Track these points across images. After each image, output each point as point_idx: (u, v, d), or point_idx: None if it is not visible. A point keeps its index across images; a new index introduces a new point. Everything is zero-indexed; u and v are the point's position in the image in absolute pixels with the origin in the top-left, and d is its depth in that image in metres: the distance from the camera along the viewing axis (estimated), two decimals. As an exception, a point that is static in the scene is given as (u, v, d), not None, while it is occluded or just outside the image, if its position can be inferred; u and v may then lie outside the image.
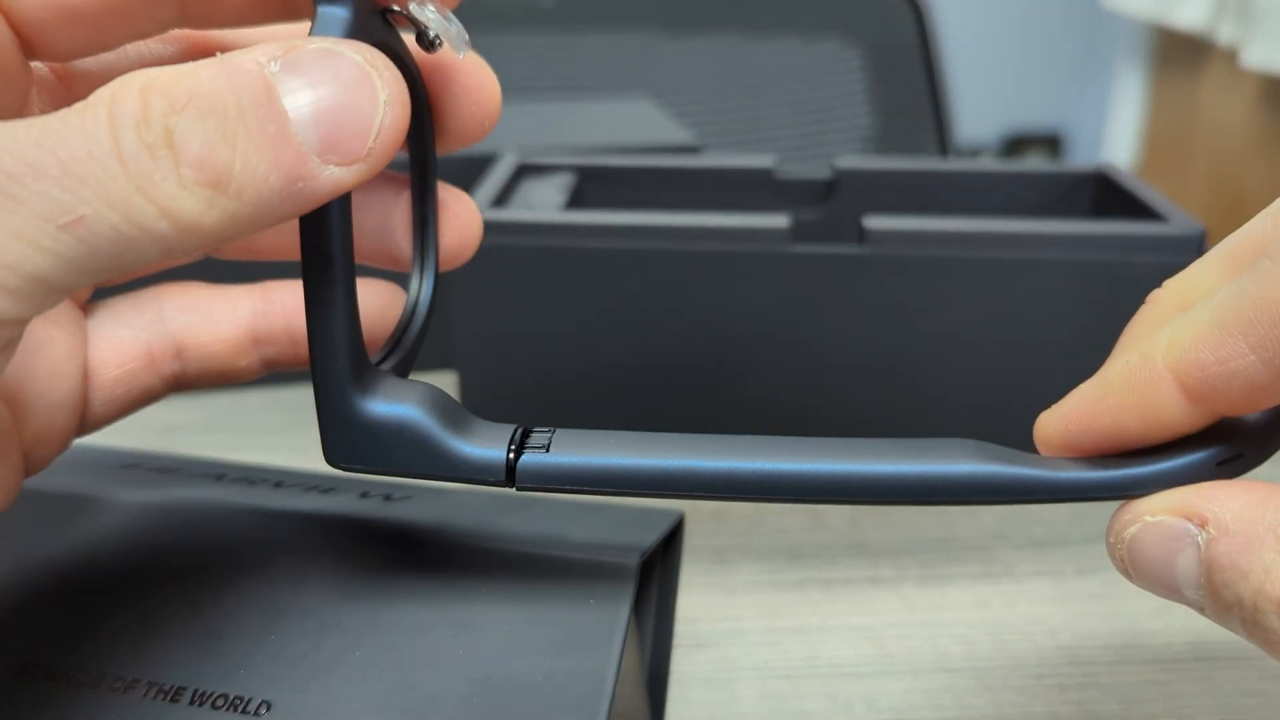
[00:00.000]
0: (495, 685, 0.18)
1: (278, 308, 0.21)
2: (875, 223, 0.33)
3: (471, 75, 0.19)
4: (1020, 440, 0.35)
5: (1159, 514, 0.16)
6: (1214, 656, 0.29)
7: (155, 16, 0.18)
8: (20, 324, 0.14)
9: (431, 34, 0.17)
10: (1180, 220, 0.33)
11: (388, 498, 0.23)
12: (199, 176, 0.14)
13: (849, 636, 0.30)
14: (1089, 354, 0.34)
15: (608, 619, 0.19)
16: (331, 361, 0.17)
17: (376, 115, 0.15)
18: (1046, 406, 0.37)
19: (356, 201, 0.20)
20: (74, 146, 0.13)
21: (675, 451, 0.18)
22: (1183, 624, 0.30)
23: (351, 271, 0.17)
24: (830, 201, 0.40)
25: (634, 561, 0.20)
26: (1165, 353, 0.16)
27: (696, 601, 0.31)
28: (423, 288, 0.20)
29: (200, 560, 0.21)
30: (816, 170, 0.40)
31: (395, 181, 0.21)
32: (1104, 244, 0.32)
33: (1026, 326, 0.33)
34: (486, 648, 0.19)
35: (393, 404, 0.18)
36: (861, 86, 0.77)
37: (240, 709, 0.18)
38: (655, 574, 0.25)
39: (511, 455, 0.18)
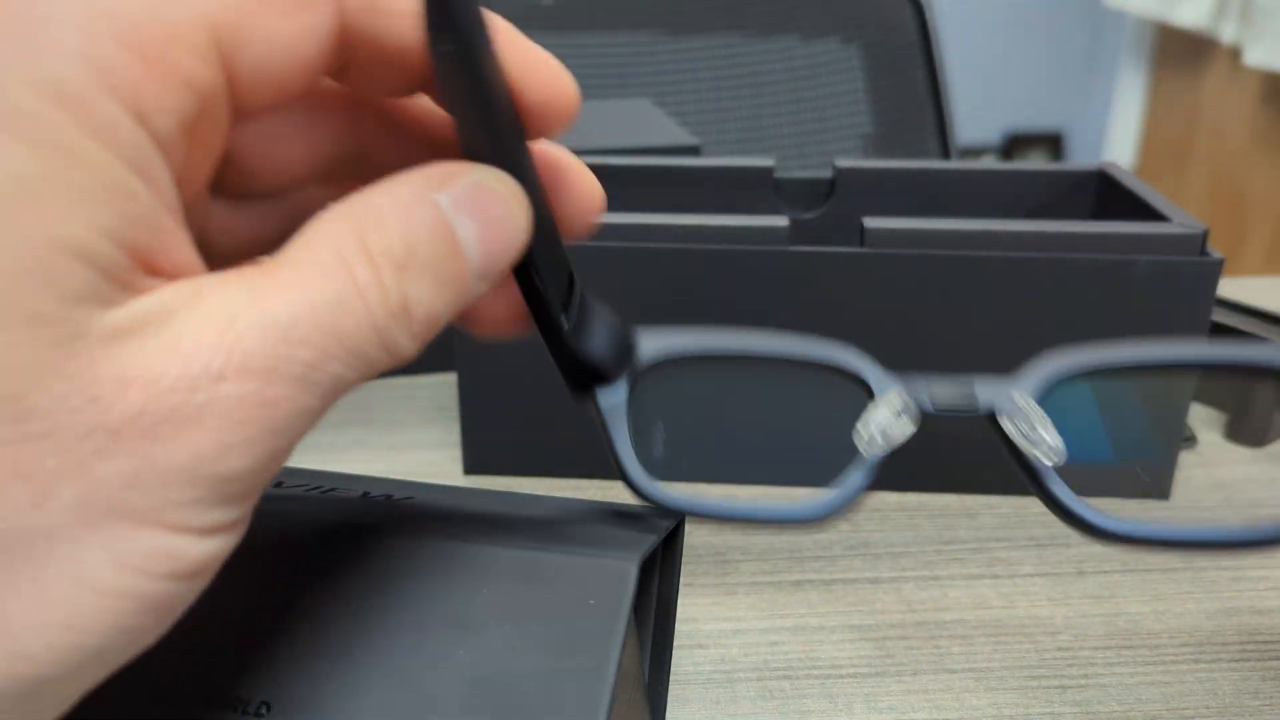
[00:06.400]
0: (495, 685, 0.18)
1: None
2: (875, 223, 0.33)
3: (579, 176, 0.19)
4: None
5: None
6: (1214, 657, 0.29)
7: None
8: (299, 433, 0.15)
9: None
10: (1181, 220, 0.33)
11: (389, 498, 0.23)
12: (423, 331, 0.16)
13: (849, 636, 0.30)
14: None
15: (607, 619, 0.19)
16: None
17: (518, 241, 0.17)
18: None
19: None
20: (346, 324, 0.15)
21: None
22: (1183, 624, 0.30)
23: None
24: (830, 201, 0.40)
25: (634, 562, 0.20)
26: None
27: (696, 601, 0.31)
28: None
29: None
30: (816, 170, 0.40)
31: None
32: (1105, 244, 0.32)
33: (1026, 327, 0.33)
34: (486, 648, 0.19)
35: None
36: (861, 86, 0.77)
37: (240, 709, 0.18)
38: (655, 574, 0.24)
39: None
